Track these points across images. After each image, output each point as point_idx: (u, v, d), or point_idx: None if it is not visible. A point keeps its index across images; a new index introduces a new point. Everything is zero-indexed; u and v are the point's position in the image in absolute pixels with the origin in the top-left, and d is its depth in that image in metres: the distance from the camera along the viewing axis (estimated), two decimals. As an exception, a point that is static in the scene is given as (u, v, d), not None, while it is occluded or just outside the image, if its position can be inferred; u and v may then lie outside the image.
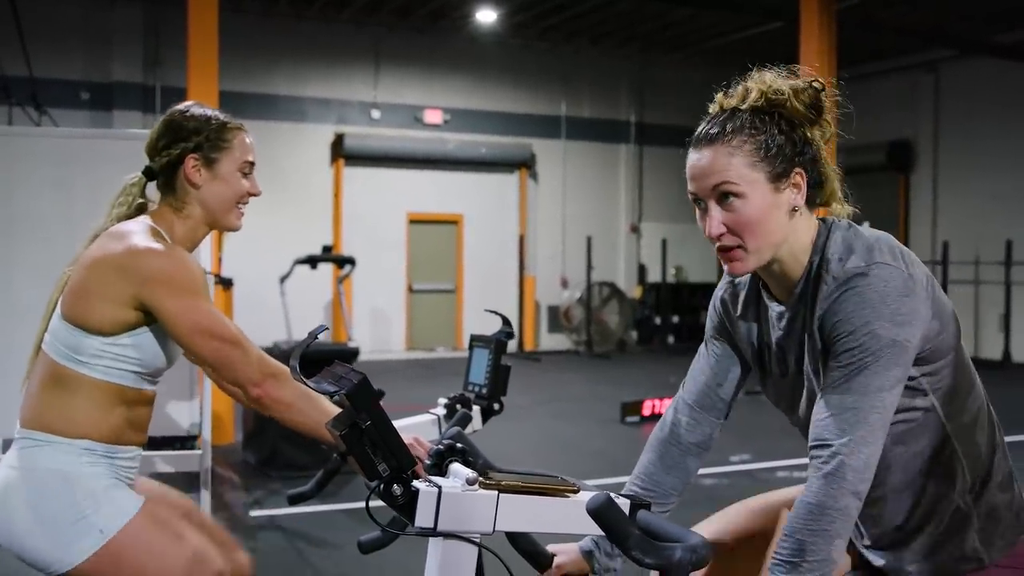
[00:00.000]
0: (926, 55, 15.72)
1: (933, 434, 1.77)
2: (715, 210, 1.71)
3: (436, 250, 16.53)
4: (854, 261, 1.66)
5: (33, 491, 2.17)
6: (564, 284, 17.20)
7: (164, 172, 2.36)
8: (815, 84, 1.74)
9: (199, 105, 2.41)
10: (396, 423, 2.77)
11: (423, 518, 1.48)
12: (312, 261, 13.52)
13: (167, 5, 13.04)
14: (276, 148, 15.20)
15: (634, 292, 17.40)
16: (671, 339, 17.11)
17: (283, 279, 13.65)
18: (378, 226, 15.88)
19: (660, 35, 16.23)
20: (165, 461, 3.02)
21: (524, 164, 16.93)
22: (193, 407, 3.34)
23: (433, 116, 16.31)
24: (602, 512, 1.36)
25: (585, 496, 1.53)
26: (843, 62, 12.80)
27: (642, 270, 17.65)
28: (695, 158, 1.72)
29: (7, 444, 3.04)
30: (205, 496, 3.36)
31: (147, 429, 2.35)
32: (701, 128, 1.74)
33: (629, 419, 9.34)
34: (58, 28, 13.54)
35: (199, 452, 3.27)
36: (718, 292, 2.02)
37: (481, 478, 1.52)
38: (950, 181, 15.96)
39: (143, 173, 2.39)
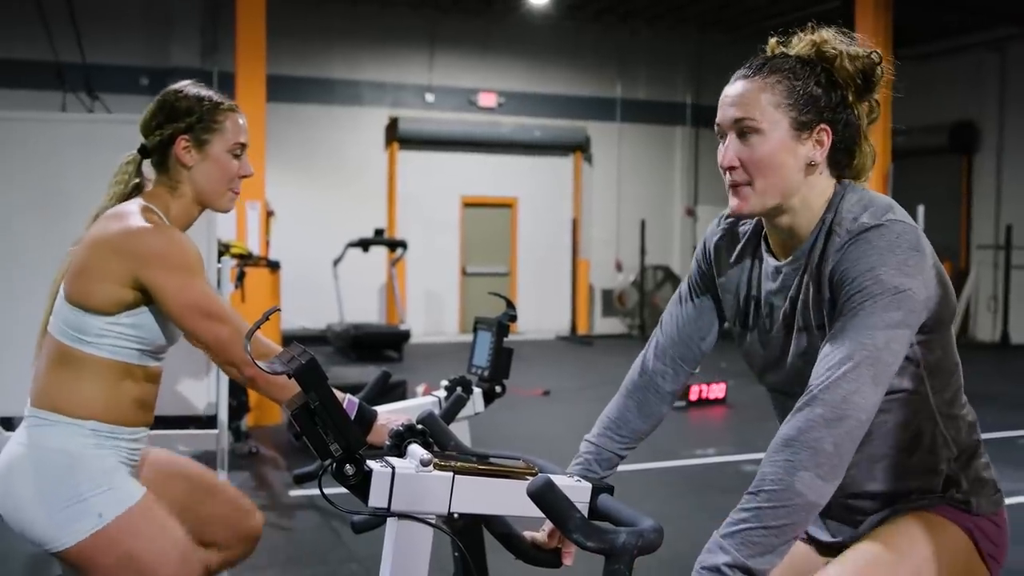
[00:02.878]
0: (991, 34, 15.31)
1: (918, 406, 1.74)
2: (732, 141, 1.72)
3: (490, 233, 16.55)
4: (868, 217, 1.65)
5: (37, 469, 2.22)
6: (618, 268, 17.13)
7: (157, 151, 2.38)
8: (873, 55, 1.74)
9: (195, 84, 2.42)
10: (398, 404, 2.80)
11: (377, 498, 1.49)
12: (364, 244, 13.65)
13: (223, -9, 13.21)
14: (331, 132, 15.34)
15: (689, 276, 17.25)
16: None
17: (336, 262, 13.80)
18: (432, 209, 15.93)
19: (716, 15, 16.04)
20: (182, 441, 3.07)
21: (579, 147, 16.86)
22: (211, 387, 3.38)
23: (487, 99, 16.30)
24: (542, 495, 1.35)
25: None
26: (903, 41, 12.53)
27: (698, 254, 17.49)
28: (729, 89, 1.74)
29: (7, 422, 3.12)
30: (222, 477, 3.40)
31: (154, 407, 2.39)
32: (745, 64, 1.75)
33: (675, 403, 9.27)
34: (118, 14, 13.77)
35: (215, 432, 3.31)
36: (711, 237, 1.98)
37: (436, 459, 1.52)
38: (1015, 163, 15.53)
39: (138, 151, 2.41)
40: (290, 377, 1.45)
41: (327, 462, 1.47)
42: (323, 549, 4.92)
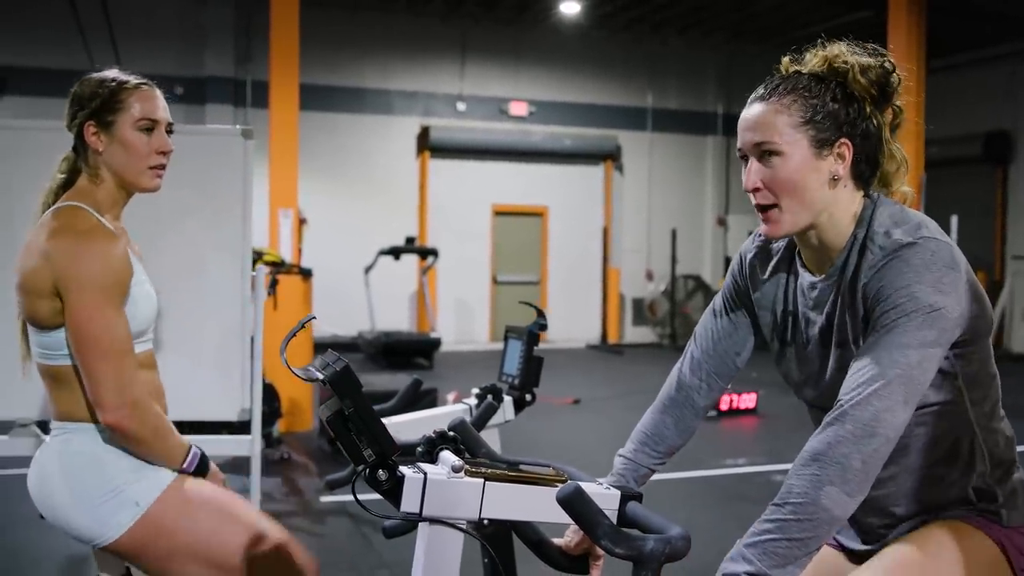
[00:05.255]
0: (1025, 43, 15.19)
1: (956, 419, 1.75)
2: (754, 164, 1.74)
3: (521, 242, 16.58)
4: (902, 233, 1.66)
5: (67, 473, 2.25)
6: (649, 277, 17.11)
7: (77, 142, 2.34)
8: (886, 64, 1.75)
9: (109, 71, 2.38)
10: (429, 412, 2.83)
11: (409, 503, 1.52)
12: (396, 252, 13.74)
13: (258, 0, 13.33)
14: (363, 140, 15.44)
15: (719, 285, 17.19)
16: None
17: (367, 270, 13.89)
18: (463, 218, 15.99)
19: (747, 25, 16.00)
20: (215, 446, 3.09)
21: (610, 156, 16.87)
22: (245, 393, 3.40)
23: (518, 108, 16.34)
24: (572, 501, 1.37)
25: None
26: (935, 51, 12.44)
27: (728, 263, 17.43)
28: (746, 113, 1.76)
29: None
30: (255, 482, 3.43)
31: (162, 393, 2.38)
32: (760, 87, 1.77)
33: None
34: (153, 24, 13.94)
35: (249, 438, 3.33)
36: (746, 253, 2.00)
37: (467, 466, 1.55)
38: (1051, 173, 15.38)
39: (72, 148, 2.37)
40: (324, 384, 1.48)
41: (360, 468, 1.50)
42: (354, 555, 4.96)
